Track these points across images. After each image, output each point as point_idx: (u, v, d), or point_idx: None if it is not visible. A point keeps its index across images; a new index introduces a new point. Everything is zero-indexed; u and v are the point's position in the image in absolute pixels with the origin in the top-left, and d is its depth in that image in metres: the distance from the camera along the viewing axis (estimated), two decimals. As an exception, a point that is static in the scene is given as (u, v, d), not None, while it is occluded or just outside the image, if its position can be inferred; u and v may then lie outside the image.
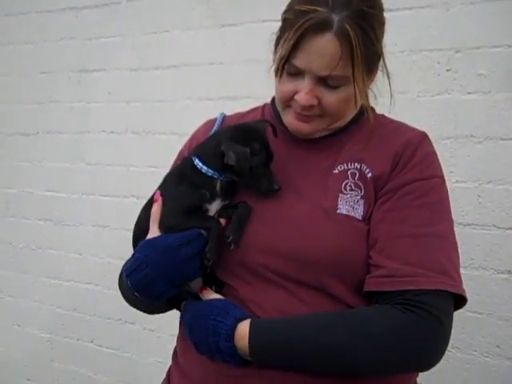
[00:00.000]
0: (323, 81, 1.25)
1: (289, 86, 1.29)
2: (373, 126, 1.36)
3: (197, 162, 1.33)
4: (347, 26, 1.19)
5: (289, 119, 1.35)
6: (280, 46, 1.28)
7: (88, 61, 3.02)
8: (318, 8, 1.20)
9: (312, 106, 1.28)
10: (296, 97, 1.28)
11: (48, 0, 3.11)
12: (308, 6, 1.21)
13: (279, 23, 1.31)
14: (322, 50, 1.21)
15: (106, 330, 3.10)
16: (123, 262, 1.49)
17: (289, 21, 1.25)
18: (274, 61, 1.33)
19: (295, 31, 1.21)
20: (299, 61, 1.24)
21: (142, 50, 2.84)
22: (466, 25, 2.04)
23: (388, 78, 1.37)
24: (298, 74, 1.27)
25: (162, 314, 1.51)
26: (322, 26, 1.20)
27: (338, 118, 1.33)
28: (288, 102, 1.32)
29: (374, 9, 1.25)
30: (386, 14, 1.29)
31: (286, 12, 1.29)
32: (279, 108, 1.38)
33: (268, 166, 1.31)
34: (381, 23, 1.29)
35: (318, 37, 1.20)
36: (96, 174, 3.04)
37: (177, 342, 1.47)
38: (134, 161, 2.90)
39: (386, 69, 1.37)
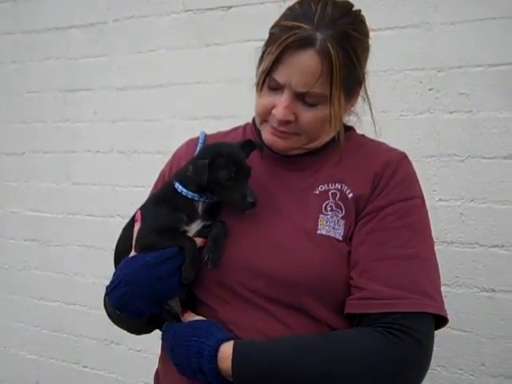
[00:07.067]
0: (301, 97, 1.26)
1: (268, 100, 1.30)
2: (351, 147, 1.37)
3: (177, 185, 1.35)
4: (329, 45, 1.21)
5: (265, 134, 1.35)
6: (263, 59, 1.30)
7: (74, 80, 3.02)
8: (303, 25, 1.22)
9: (288, 122, 1.29)
10: (273, 111, 1.29)
11: (34, 20, 3.12)
12: (293, 22, 1.23)
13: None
14: (303, 65, 1.23)
15: (91, 350, 3.07)
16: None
17: (274, 36, 1.27)
18: (256, 75, 1.34)
19: (278, 45, 1.23)
20: (279, 75, 1.25)
21: (128, 69, 2.85)
22: (448, 44, 2.06)
23: (370, 109, 1.40)
24: (277, 88, 1.28)
25: (148, 335, 1.51)
26: (305, 43, 1.22)
27: (314, 138, 1.34)
28: (266, 116, 1.32)
29: (359, 33, 1.27)
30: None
31: (272, 28, 1.31)
32: (257, 122, 1.38)
33: (241, 181, 1.30)
34: (364, 48, 1.31)
35: (299, 52, 1.22)
36: (82, 194, 3.03)
37: (159, 363, 1.46)
38: (119, 180, 2.89)
39: (368, 98, 1.38)
